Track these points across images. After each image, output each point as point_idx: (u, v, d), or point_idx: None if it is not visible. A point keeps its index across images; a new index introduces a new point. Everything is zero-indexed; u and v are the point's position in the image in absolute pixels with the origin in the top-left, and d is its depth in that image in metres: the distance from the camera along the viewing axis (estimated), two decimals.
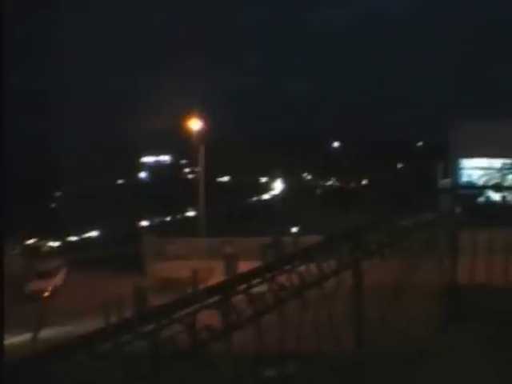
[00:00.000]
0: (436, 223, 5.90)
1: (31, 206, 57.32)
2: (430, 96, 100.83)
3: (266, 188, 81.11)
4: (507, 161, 30.03)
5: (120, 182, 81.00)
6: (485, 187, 23.72)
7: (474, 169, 30.16)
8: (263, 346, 2.82)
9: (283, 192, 78.63)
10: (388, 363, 4.40)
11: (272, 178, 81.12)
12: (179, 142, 52.12)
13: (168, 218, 68.90)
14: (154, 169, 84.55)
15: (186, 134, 39.18)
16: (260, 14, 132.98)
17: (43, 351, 1.97)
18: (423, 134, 77.42)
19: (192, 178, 60.78)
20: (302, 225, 40.96)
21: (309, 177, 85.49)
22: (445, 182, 29.31)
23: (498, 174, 30.04)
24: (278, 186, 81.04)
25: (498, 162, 30.18)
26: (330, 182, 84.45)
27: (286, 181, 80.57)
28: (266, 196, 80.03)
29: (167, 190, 68.67)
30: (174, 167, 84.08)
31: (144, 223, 65.20)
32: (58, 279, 31.29)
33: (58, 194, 72.65)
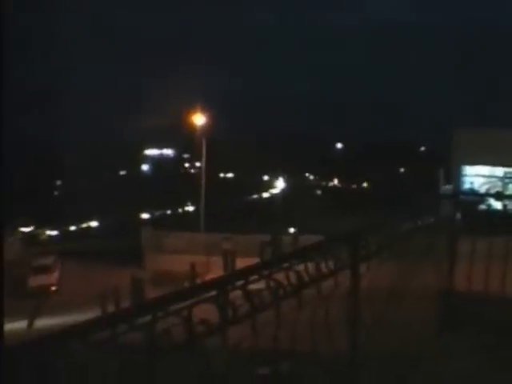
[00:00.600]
0: (436, 228, 5.89)
1: (32, 192, 57.43)
2: (434, 102, 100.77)
3: (268, 186, 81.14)
4: (509, 169, 30.00)
5: (122, 173, 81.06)
6: (486, 195, 23.71)
7: (476, 176, 30.12)
8: (258, 343, 2.82)
9: (284, 191, 78.62)
10: (381, 367, 4.41)
11: (274, 177, 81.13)
12: (183, 137, 52.17)
13: (168, 212, 68.94)
14: (157, 162, 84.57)
15: (190, 129, 39.21)
16: (261, 14, 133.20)
17: (39, 337, 1.97)
18: (426, 139, 77.49)
19: (194, 173, 60.84)
20: (301, 224, 40.97)
21: (311, 177, 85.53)
22: (446, 188, 29.30)
23: (499, 183, 30.00)
24: (280, 185, 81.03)
25: (500, 171, 30.14)
26: (331, 183, 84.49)
27: (287, 180, 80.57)
28: (267, 194, 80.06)
29: (168, 183, 68.72)
30: (177, 161, 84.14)
31: (144, 216, 65.23)
32: (57, 273, 31.19)
33: (59, 182, 72.75)
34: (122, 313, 2.31)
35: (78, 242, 44.17)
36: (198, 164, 75.18)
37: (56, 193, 71.29)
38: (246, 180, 79.41)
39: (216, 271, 24.40)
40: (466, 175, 30.30)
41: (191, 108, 38.99)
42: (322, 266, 3.41)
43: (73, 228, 62.42)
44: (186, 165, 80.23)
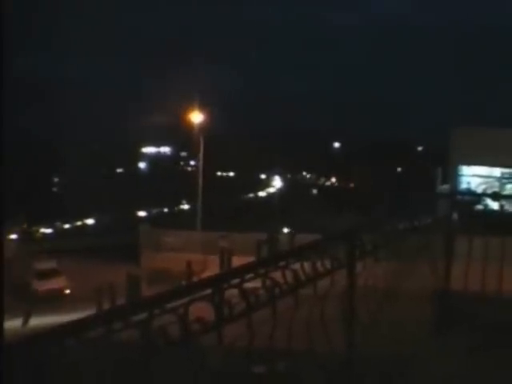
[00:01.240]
0: (432, 228, 5.90)
1: (28, 190, 57.32)
2: (432, 101, 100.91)
3: (265, 184, 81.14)
4: (507, 170, 30.05)
5: (119, 170, 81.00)
6: (483, 195, 23.76)
7: (474, 176, 30.17)
8: (254, 341, 2.82)
9: (281, 189, 78.65)
10: (377, 365, 4.41)
11: (271, 175, 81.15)
12: (181, 135, 52.14)
13: (165, 210, 68.92)
14: (154, 160, 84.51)
15: (188, 127, 39.19)
16: (261, 13, 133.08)
17: (34, 334, 1.98)
18: (424, 138, 77.55)
19: (191, 171, 60.81)
20: (297, 223, 40.99)
21: (308, 175, 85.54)
22: (443, 188, 29.36)
23: (497, 183, 30.05)
24: (277, 184, 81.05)
25: (497, 171, 30.19)
26: (329, 182, 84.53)
27: (284, 178, 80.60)
28: (264, 192, 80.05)
29: (165, 181, 68.67)
30: (174, 159, 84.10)
31: (141, 213, 65.19)
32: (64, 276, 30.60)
33: (55, 179, 72.67)
34: (118, 310, 2.31)
35: (74, 240, 44.11)
36: (192, 162, 75.50)
37: (52, 190, 71.20)
38: (244, 178, 79.38)
39: (212, 269, 24.41)
40: (463, 175, 30.35)
41: (189, 106, 38.97)
42: (319, 264, 3.41)
43: (68, 226, 62.36)
44: (183, 163, 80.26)
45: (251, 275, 2.88)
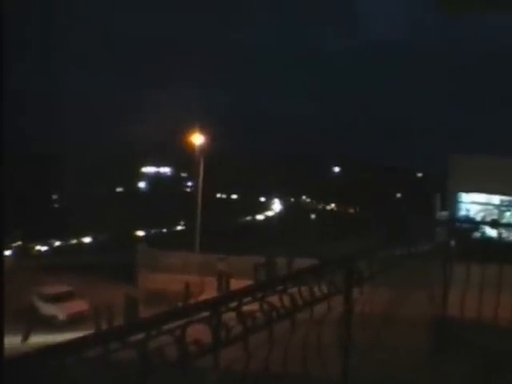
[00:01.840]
0: (430, 255, 5.92)
1: (27, 206, 57.27)
2: (431, 128, 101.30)
3: (264, 208, 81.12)
4: (506, 197, 30.06)
5: (119, 189, 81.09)
6: (482, 222, 23.76)
7: (472, 203, 30.17)
8: (250, 364, 2.83)
9: (280, 213, 78.61)
10: None
11: (270, 199, 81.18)
12: (181, 155, 52.28)
13: (164, 230, 68.86)
14: (154, 179, 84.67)
15: (188, 148, 39.29)
16: (262, 39, 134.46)
17: (31, 352, 1.99)
18: (423, 165, 77.80)
19: (190, 192, 60.86)
20: (295, 248, 40.91)
21: (308, 200, 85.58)
22: (442, 215, 29.34)
23: (495, 211, 30.05)
24: (276, 207, 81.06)
25: (496, 199, 30.20)
26: (329, 207, 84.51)
27: (284, 202, 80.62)
28: (263, 215, 79.96)
29: (165, 201, 68.67)
30: (174, 179, 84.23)
31: (139, 233, 65.12)
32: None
33: (54, 196, 72.69)
34: (115, 330, 2.32)
35: (71, 257, 43.96)
36: (189, 183, 75.47)
37: (51, 207, 71.15)
38: (243, 201, 79.39)
39: (210, 292, 24.32)
40: (462, 202, 30.36)
41: (190, 127, 39.12)
42: (316, 289, 3.42)
43: (65, 243, 62.24)
44: (187, 184, 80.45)
45: (249, 299, 2.89)
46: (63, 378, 2.02)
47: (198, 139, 38.26)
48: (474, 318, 6.03)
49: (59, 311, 27.75)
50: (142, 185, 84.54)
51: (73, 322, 26.34)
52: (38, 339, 21.91)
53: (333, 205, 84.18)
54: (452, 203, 30.24)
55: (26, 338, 22.97)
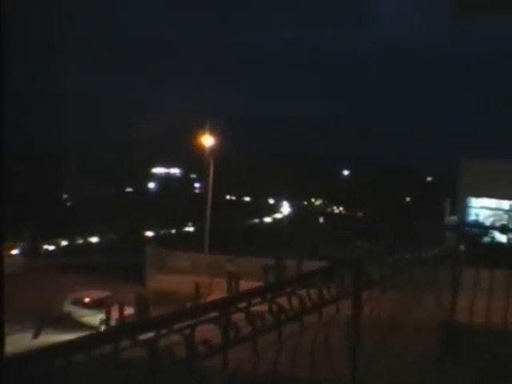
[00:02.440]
0: (439, 259, 5.91)
1: (36, 206, 57.48)
2: (442, 132, 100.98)
3: (273, 210, 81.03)
4: None
5: (129, 190, 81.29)
6: (491, 227, 23.66)
7: (482, 208, 30.07)
8: (258, 366, 2.84)
9: (289, 216, 78.49)
10: None
11: (279, 201, 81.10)
12: (190, 156, 52.33)
13: (173, 231, 68.92)
14: (164, 180, 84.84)
15: (198, 149, 39.33)
16: (274, 35, 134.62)
17: (41, 349, 2.00)
18: (434, 169, 77.52)
19: (199, 193, 60.93)
20: (304, 250, 40.83)
21: (317, 202, 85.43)
22: (451, 219, 29.25)
23: (505, 216, 29.92)
24: (285, 210, 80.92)
25: (506, 204, 30.08)
26: (337, 210, 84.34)
27: (293, 204, 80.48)
28: (272, 217, 79.88)
29: (174, 202, 68.80)
30: (184, 181, 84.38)
31: (148, 233, 65.21)
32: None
33: (64, 196, 72.89)
34: (126, 328, 2.34)
35: (79, 257, 44.02)
36: (197, 185, 75.52)
37: (60, 207, 71.37)
38: (253, 203, 79.43)
39: (219, 293, 24.32)
40: (471, 207, 30.27)
41: (200, 129, 39.16)
42: (325, 292, 3.43)
43: (73, 243, 62.36)
44: (194, 185, 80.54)
45: (258, 300, 2.90)
46: (72, 376, 2.03)
47: (208, 140, 38.29)
48: (483, 323, 6.02)
49: (97, 317, 26.26)
50: (151, 185, 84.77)
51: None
52: (51, 334, 21.96)
53: (341, 208, 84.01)
54: (461, 208, 30.15)
55: (36, 335, 23.03)
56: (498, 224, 28.96)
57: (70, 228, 57.22)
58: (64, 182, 62.25)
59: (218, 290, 26.14)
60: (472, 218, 29.61)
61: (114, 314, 25.51)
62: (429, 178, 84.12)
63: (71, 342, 2.07)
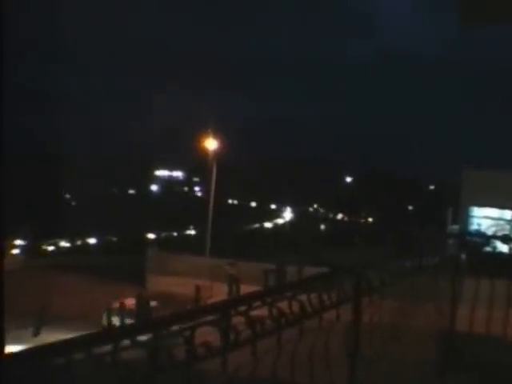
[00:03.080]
0: (440, 268, 5.90)
1: (37, 206, 57.53)
2: (445, 141, 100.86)
3: (275, 215, 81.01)
4: None
5: (131, 191, 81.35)
6: (493, 237, 23.61)
7: (484, 218, 30.01)
8: (257, 370, 2.84)
9: (290, 221, 78.45)
10: None
11: (281, 206, 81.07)
12: (194, 160, 52.41)
13: (174, 234, 68.94)
14: (166, 183, 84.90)
15: (201, 153, 39.39)
16: (274, 40, 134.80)
17: (40, 348, 2.00)
18: (436, 177, 77.50)
19: (201, 197, 60.97)
20: (305, 256, 40.83)
21: (319, 209, 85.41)
22: (453, 228, 29.19)
23: (507, 226, 29.86)
24: (287, 215, 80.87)
25: (508, 214, 30.03)
26: (339, 217, 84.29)
27: (295, 210, 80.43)
28: (274, 223, 79.84)
29: (176, 205, 68.83)
30: (186, 184, 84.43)
31: (150, 235, 65.24)
32: None
33: (67, 196, 72.97)
34: (126, 328, 2.34)
35: (80, 258, 44.04)
36: (196, 188, 75.50)
37: (62, 208, 71.42)
38: (256, 208, 79.44)
39: (219, 296, 24.32)
40: (473, 216, 30.21)
41: (203, 132, 39.22)
42: (325, 297, 3.43)
43: (73, 243, 62.42)
44: (197, 189, 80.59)
45: (258, 303, 2.90)
46: (69, 375, 2.03)
47: (211, 144, 38.34)
48: (483, 333, 6.01)
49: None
50: (154, 188, 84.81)
51: None
52: (51, 333, 21.95)
53: (343, 214, 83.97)
54: (463, 217, 30.10)
55: (36, 333, 23.07)
56: (499, 234, 28.92)
57: (71, 228, 57.29)
58: (66, 182, 62.32)
59: (219, 294, 26.13)
60: (474, 227, 29.54)
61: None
62: (431, 187, 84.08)
63: (71, 341, 2.07)
